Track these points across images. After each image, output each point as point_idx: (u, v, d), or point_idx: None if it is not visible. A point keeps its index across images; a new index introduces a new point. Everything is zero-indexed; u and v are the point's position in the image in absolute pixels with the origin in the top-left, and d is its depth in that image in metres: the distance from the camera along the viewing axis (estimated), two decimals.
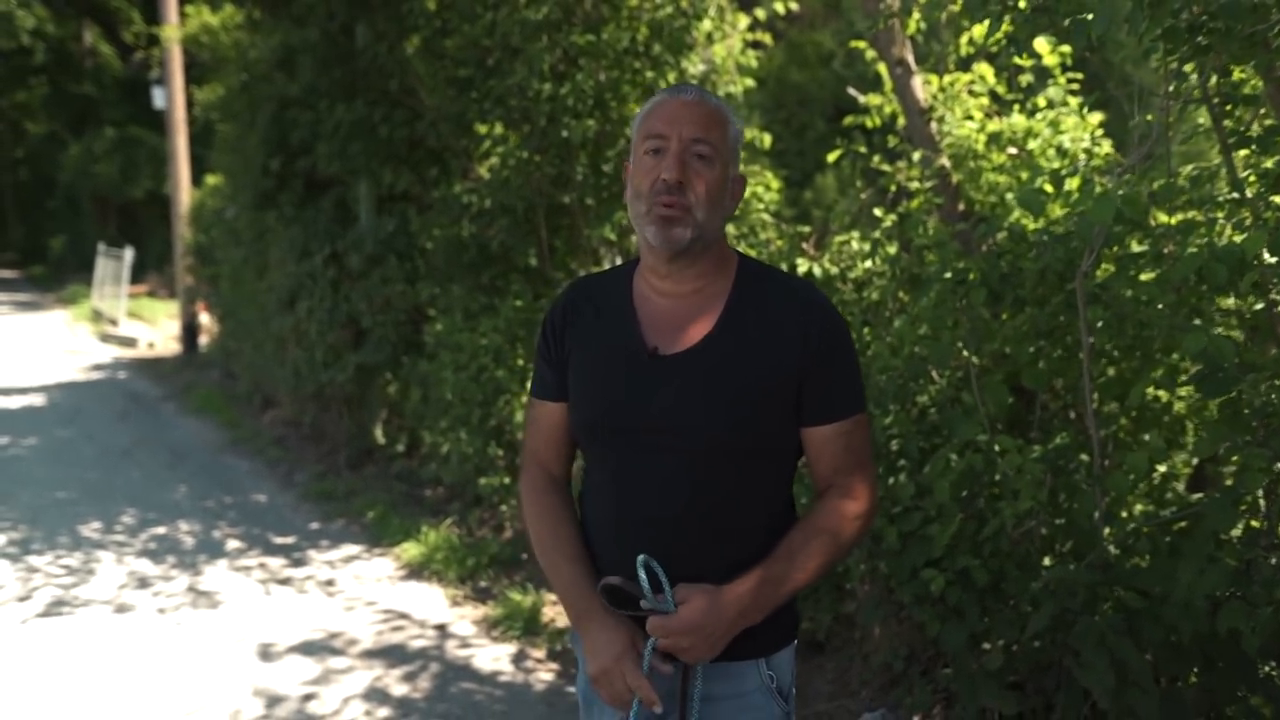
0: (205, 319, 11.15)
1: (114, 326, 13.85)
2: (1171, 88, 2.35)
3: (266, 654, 3.50)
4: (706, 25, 4.86)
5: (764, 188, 4.87)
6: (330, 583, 4.23)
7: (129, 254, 14.65)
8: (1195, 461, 3.00)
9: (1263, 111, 2.54)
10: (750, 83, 5.63)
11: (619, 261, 5.32)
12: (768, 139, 5.22)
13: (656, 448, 1.31)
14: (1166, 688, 2.31)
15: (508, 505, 5.01)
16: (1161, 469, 2.75)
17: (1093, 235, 2.08)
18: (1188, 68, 2.21)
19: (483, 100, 4.88)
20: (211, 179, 9.92)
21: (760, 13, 5.39)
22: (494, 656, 3.49)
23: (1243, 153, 2.51)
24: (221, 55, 8.05)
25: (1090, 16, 2.02)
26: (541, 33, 4.48)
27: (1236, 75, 2.50)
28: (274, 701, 3.15)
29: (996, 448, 2.38)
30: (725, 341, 1.32)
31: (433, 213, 5.60)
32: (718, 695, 1.33)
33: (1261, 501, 2.18)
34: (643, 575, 1.24)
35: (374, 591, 4.12)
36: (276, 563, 4.49)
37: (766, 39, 5.60)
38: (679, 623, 1.23)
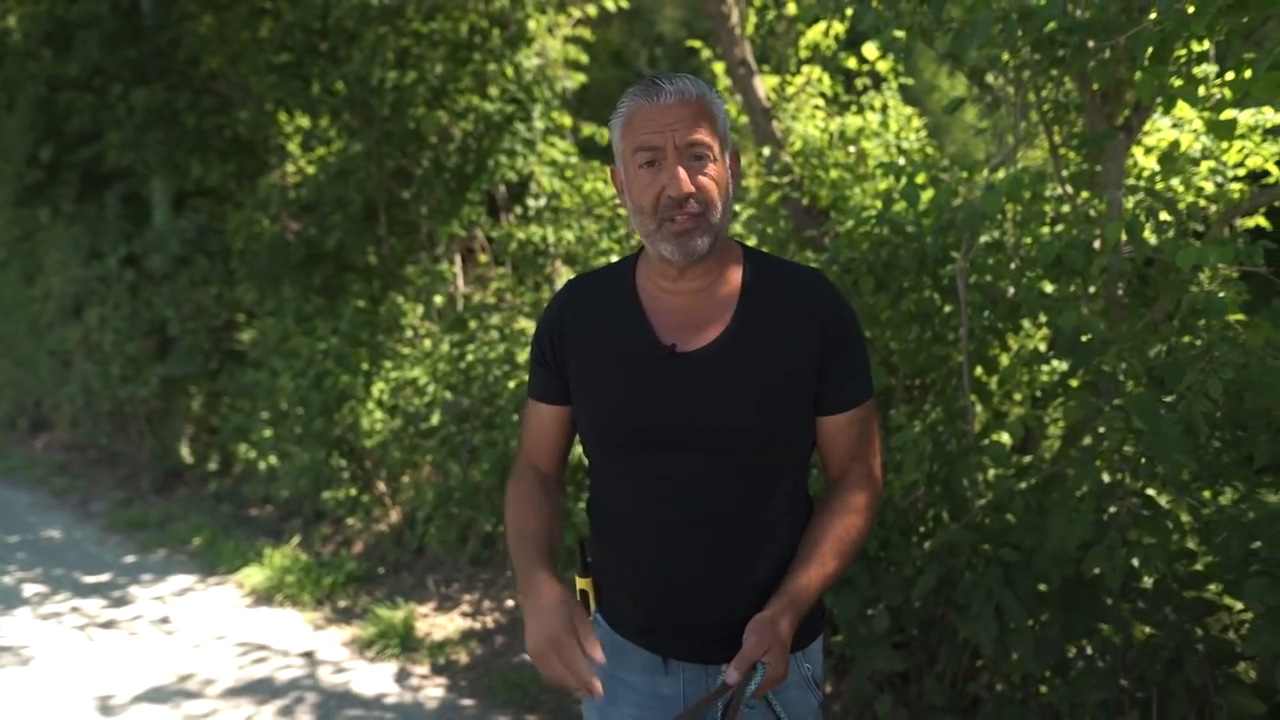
0: None
1: None
2: (1010, 90, 2.62)
3: (107, 708, 3.09)
4: (545, 19, 4.83)
5: (603, 183, 4.91)
6: (165, 620, 3.80)
7: None
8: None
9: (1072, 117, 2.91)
10: (582, 78, 5.66)
11: (459, 259, 5.17)
12: (606, 134, 5.27)
13: (692, 447, 1.28)
14: (1033, 629, 2.60)
15: (355, 519, 4.73)
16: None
17: (977, 224, 2.30)
18: (1041, 78, 2.47)
19: (310, 89, 4.56)
20: None
21: (591, 9, 5.41)
22: (374, 678, 3.29)
23: (1062, 152, 2.85)
24: None
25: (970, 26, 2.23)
26: (381, 19, 4.26)
27: (1065, 88, 2.84)
28: None
29: (894, 424, 2.55)
30: (745, 335, 1.30)
31: (247, 209, 5.17)
32: None
33: (1115, 457, 2.49)
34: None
35: (221, 624, 3.75)
36: (93, 605, 3.97)
37: (587, 34, 5.64)
38: (773, 670, 1.17)
